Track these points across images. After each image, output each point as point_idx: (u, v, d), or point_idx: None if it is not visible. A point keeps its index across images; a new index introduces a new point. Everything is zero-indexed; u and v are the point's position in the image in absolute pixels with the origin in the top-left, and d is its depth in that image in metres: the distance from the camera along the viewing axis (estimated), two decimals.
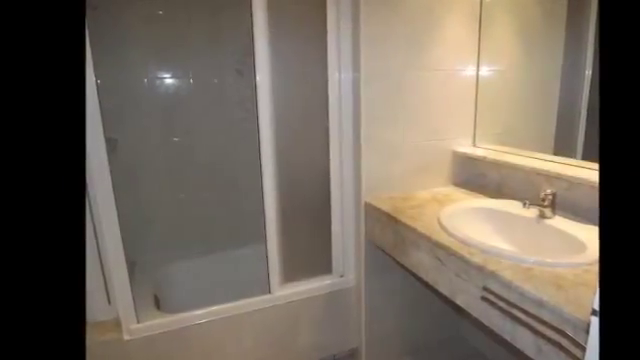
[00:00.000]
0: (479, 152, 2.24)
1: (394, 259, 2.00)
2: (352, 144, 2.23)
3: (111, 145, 2.01)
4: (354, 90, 2.14)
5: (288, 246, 2.29)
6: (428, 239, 1.63)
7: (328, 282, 2.39)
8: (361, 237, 2.26)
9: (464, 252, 1.45)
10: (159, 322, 2.09)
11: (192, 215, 2.94)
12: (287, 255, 2.30)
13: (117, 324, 2.06)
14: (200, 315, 2.15)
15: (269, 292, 2.28)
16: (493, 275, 1.31)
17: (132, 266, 2.22)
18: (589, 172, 1.68)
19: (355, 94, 2.14)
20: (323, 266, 2.41)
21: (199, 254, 2.89)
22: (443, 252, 1.55)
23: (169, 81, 2.76)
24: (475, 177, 2.26)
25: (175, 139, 2.82)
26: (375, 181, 2.19)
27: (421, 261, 1.72)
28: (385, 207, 2.01)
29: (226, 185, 3.00)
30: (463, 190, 2.24)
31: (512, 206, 1.80)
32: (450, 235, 1.59)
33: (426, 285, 2.12)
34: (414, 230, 1.73)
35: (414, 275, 1.92)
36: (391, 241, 1.95)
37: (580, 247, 1.41)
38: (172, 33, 2.69)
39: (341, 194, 2.32)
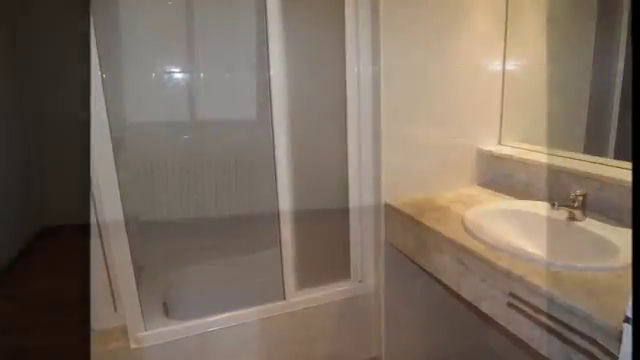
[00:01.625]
0: (505, 150, 2.25)
1: (416, 263, 2.02)
2: (371, 142, 2.24)
3: (117, 144, 2.03)
4: (374, 85, 2.16)
5: (304, 250, 2.31)
6: (452, 242, 1.66)
7: (346, 288, 2.41)
8: (381, 240, 2.28)
9: (490, 256, 1.47)
10: (168, 330, 2.12)
11: (202, 217, 2.96)
12: (303, 259, 2.32)
13: (124, 332, 2.07)
14: (211, 322, 2.18)
15: (284, 298, 2.31)
16: (520, 280, 1.33)
17: (139, 271, 2.25)
18: (622, 172, 1.69)
19: (375, 89, 2.16)
20: (341, 271, 2.43)
21: (210, 258, 2.90)
22: (468, 256, 1.57)
23: (178, 75, 2.78)
24: (501, 177, 2.27)
25: (185, 137, 2.84)
26: (395, 181, 2.20)
27: (444, 266, 1.74)
28: (406, 209, 2.03)
29: (238, 185, 3.02)
30: (489, 191, 2.25)
31: (540, 207, 1.82)
32: (475, 238, 1.61)
33: (449, 291, 2.13)
34: (437, 233, 1.75)
35: (437, 280, 1.92)
36: (412, 244, 1.97)
37: (612, 250, 1.42)
38: (181, 25, 2.71)
39: (360, 195, 2.33)
